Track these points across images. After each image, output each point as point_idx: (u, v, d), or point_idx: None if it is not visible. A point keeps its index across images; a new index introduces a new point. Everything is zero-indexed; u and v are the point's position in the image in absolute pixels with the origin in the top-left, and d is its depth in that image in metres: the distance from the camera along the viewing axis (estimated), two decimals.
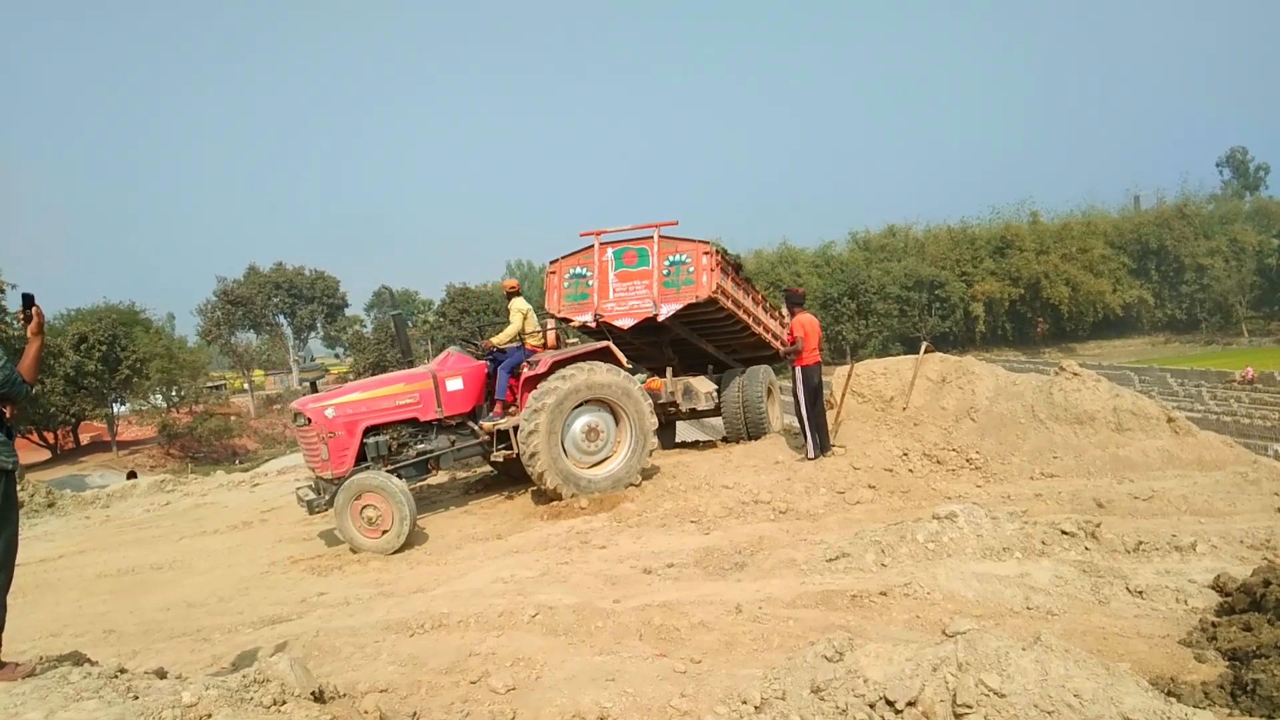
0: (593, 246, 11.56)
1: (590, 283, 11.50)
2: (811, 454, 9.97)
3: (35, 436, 46.21)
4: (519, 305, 10.36)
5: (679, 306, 10.99)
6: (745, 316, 12.13)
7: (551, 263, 11.99)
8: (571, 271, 11.73)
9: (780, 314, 14.39)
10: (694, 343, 12.68)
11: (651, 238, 11.22)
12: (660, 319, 11.07)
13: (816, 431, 10.04)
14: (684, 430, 14.61)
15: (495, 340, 10.41)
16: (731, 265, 11.88)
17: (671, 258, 11.08)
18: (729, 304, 11.43)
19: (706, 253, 10.94)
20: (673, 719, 4.13)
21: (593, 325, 11.52)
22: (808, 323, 10.26)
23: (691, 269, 10.95)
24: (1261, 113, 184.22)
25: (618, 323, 11.28)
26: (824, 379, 10.78)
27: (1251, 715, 3.88)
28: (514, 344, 10.27)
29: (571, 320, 11.72)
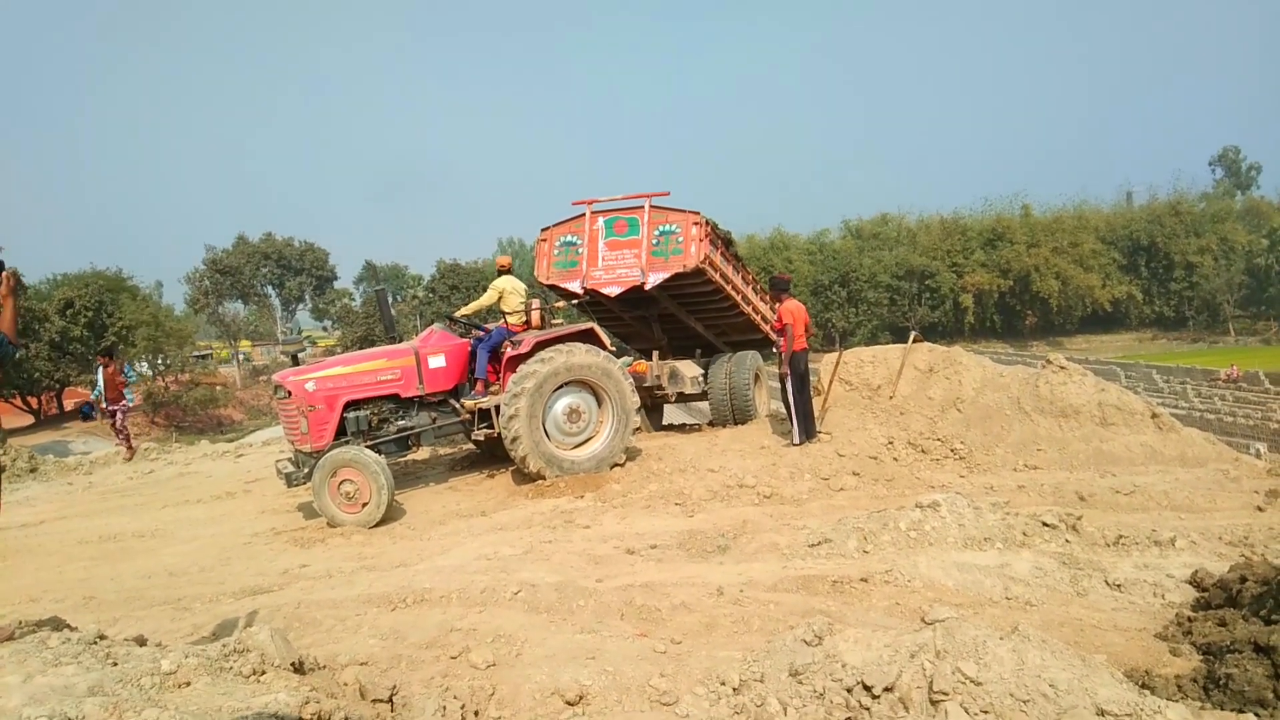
0: (584, 215, 11.56)
1: (580, 251, 11.50)
2: (797, 440, 9.99)
3: (19, 401, 45.91)
4: (499, 283, 10.32)
5: (666, 275, 10.98)
6: (734, 293, 12.13)
7: (543, 230, 11.96)
8: (562, 239, 11.73)
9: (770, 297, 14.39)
10: (683, 320, 12.66)
11: (642, 207, 11.22)
12: (647, 288, 11.06)
13: (803, 418, 10.05)
14: (671, 413, 14.61)
15: (461, 311, 10.55)
16: (721, 239, 11.87)
17: (661, 227, 11.07)
18: (717, 277, 11.42)
19: (696, 223, 10.93)
20: (652, 698, 4.15)
21: (580, 292, 11.51)
22: (795, 309, 10.23)
23: (680, 239, 10.94)
24: (1255, 113, 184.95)
25: (605, 290, 11.29)
26: (812, 366, 10.79)
27: (1223, 709, 3.92)
28: (497, 322, 10.26)
29: (560, 288, 11.72)
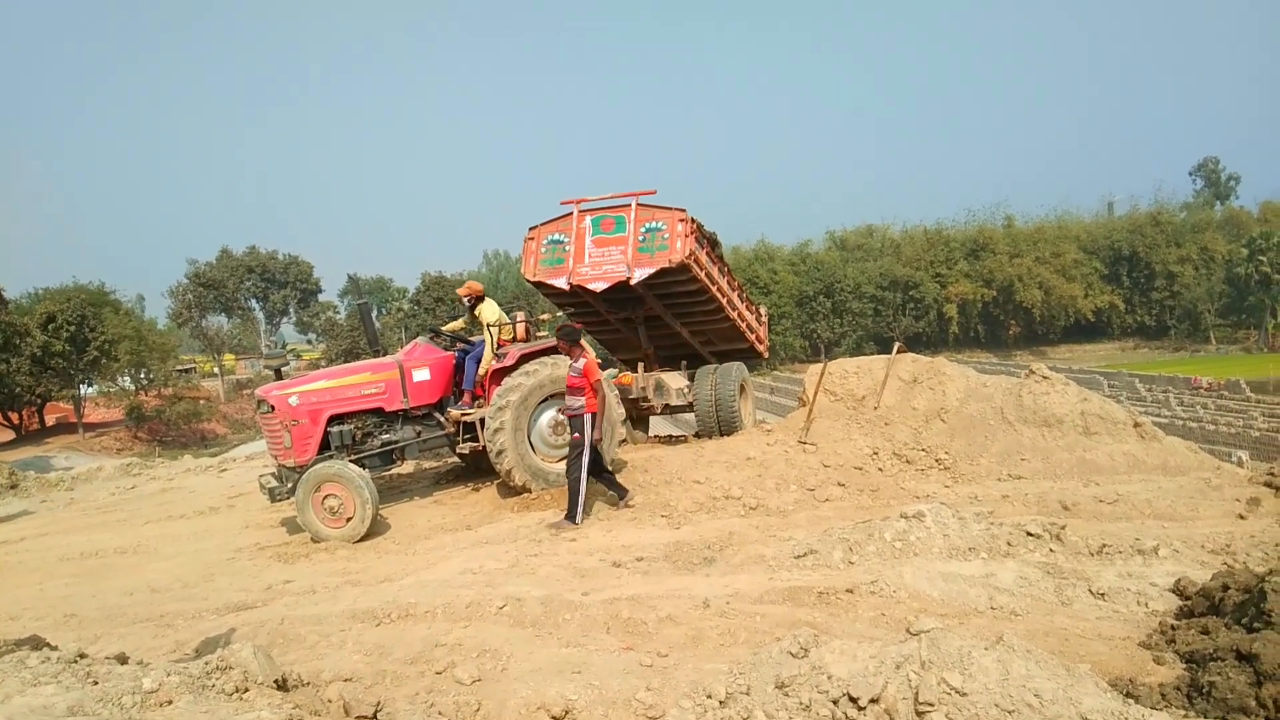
0: (571, 214, 11.62)
1: (567, 248, 11.54)
2: (579, 520, 8.24)
3: (0, 416, 45.60)
4: (488, 316, 10.09)
5: (652, 270, 11.02)
6: (719, 295, 12.19)
7: (530, 229, 11.99)
8: (549, 238, 11.76)
9: (756, 308, 14.43)
10: (669, 325, 12.69)
11: (629, 206, 11.29)
12: (633, 282, 11.08)
13: (587, 494, 8.48)
14: (656, 424, 14.60)
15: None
16: (707, 239, 11.93)
17: (648, 225, 11.14)
18: (702, 275, 11.47)
19: (682, 220, 11.00)
20: (638, 712, 4.14)
21: (565, 288, 11.52)
22: (595, 363, 8.69)
23: (666, 235, 11.00)
24: (1234, 124, 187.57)
25: (590, 285, 11.31)
26: (797, 377, 10.81)
27: (1207, 717, 3.94)
28: (479, 338, 10.16)
29: (546, 284, 11.73)
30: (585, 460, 8.34)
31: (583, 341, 9.85)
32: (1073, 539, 6.76)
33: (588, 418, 8.37)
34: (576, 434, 8.39)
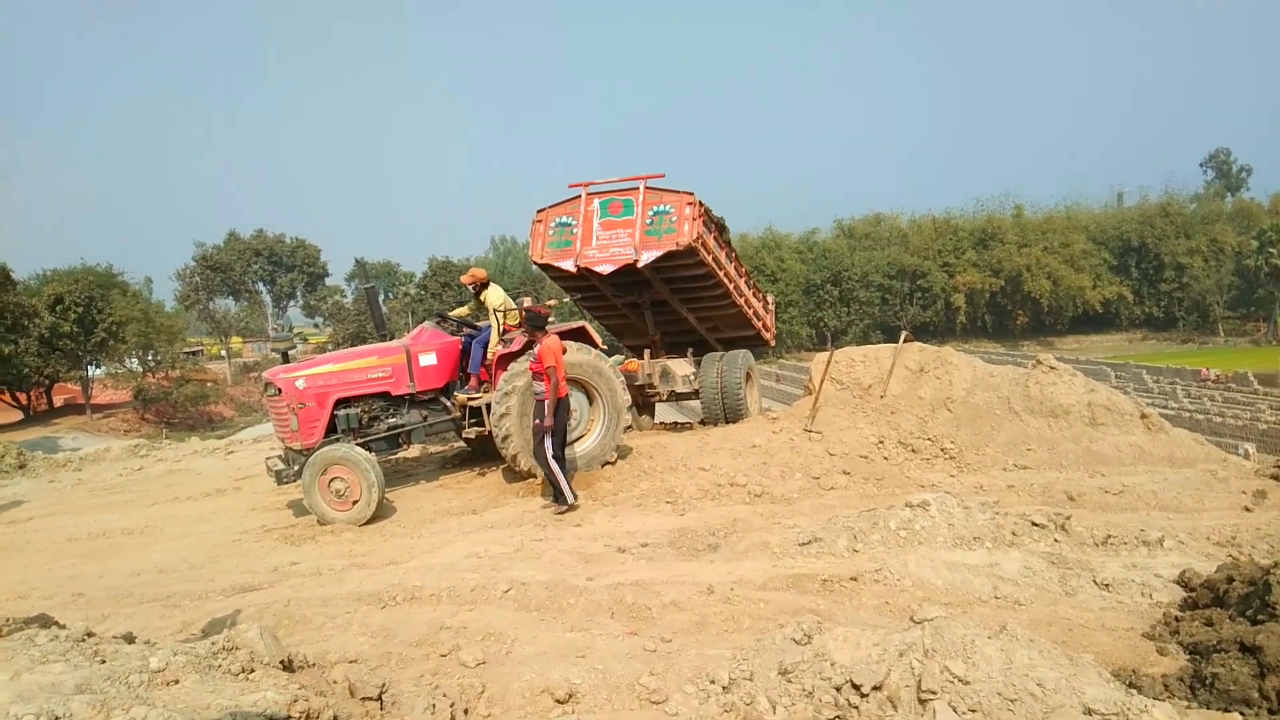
0: (579, 197, 11.62)
1: (575, 231, 11.54)
2: (571, 499, 8.40)
3: (8, 397, 45.74)
4: (494, 301, 10.06)
5: (659, 253, 11.01)
6: (726, 280, 12.17)
7: (538, 211, 11.99)
8: (557, 220, 11.77)
9: (763, 296, 14.41)
10: (675, 310, 12.68)
11: (637, 189, 11.29)
12: (640, 265, 11.08)
13: (569, 476, 8.60)
14: (663, 411, 14.61)
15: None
16: (715, 224, 11.91)
17: (656, 208, 11.14)
18: (709, 259, 11.46)
19: (690, 203, 10.99)
20: (641, 696, 4.16)
21: (572, 270, 11.53)
22: (558, 347, 8.57)
23: (674, 218, 11.00)
24: (1246, 115, 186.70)
25: (598, 268, 11.31)
26: (803, 365, 10.79)
27: (1209, 708, 3.94)
28: (486, 323, 10.14)
29: (554, 266, 11.73)
30: (548, 443, 8.37)
31: (590, 328, 9.89)
32: (1078, 529, 6.76)
33: (547, 404, 8.36)
34: (536, 420, 8.43)
